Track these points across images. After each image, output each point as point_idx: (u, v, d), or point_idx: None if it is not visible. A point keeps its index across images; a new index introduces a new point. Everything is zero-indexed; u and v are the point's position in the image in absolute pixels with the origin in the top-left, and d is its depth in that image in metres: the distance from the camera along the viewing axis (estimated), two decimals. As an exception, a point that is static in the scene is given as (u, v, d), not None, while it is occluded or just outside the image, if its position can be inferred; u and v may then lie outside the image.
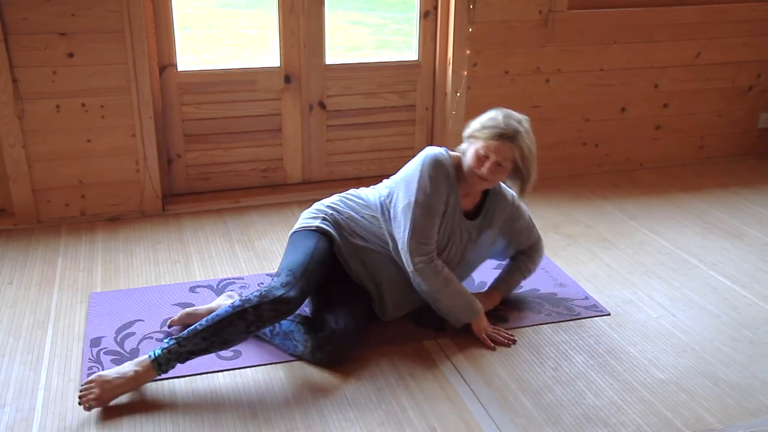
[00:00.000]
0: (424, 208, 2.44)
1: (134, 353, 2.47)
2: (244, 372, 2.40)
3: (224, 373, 2.39)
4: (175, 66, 3.55)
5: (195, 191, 3.76)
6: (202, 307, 2.61)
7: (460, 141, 3.88)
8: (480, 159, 2.43)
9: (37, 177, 3.39)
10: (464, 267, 2.67)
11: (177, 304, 2.77)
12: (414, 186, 2.46)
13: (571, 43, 3.92)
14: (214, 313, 2.29)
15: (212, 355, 2.45)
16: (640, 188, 4.01)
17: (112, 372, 2.23)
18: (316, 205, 2.67)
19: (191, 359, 2.28)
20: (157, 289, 2.90)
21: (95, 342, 2.53)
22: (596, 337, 2.62)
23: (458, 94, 3.85)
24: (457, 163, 2.54)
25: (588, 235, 3.44)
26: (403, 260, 2.48)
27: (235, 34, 7.11)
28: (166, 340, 2.28)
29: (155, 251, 3.21)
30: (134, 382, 2.23)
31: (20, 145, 3.31)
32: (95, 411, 2.20)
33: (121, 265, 3.10)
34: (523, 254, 2.80)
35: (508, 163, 2.43)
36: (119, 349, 2.49)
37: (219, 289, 2.89)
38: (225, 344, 2.28)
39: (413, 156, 4.07)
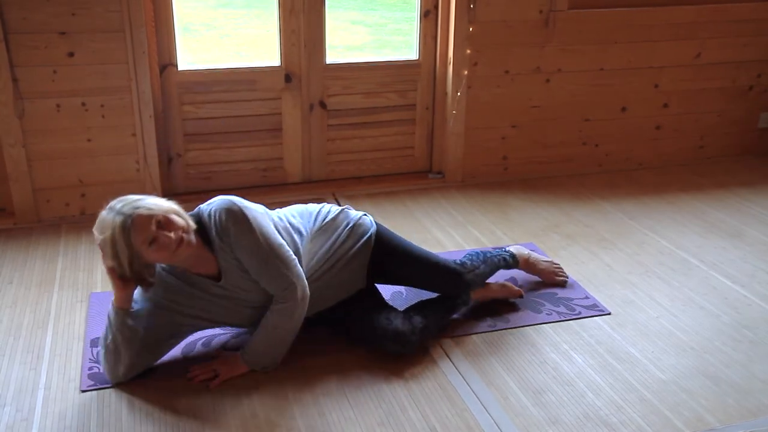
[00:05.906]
0: None
1: (134, 353, 2.47)
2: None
3: (224, 372, 2.39)
4: (175, 65, 3.55)
5: (195, 191, 3.75)
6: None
7: (459, 140, 3.95)
8: (150, 250, 2.15)
9: (37, 176, 3.39)
10: (251, 311, 2.41)
11: (177, 304, 2.77)
12: None
13: (571, 43, 3.92)
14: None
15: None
16: (640, 188, 4.01)
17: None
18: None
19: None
20: (157, 289, 2.89)
21: (95, 342, 2.53)
22: (596, 337, 2.62)
23: (458, 94, 3.85)
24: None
25: (588, 234, 3.44)
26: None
27: (235, 34, 7.12)
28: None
29: (155, 251, 3.21)
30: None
31: (20, 144, 3.31)
32: (94, 410, 2.20)
33: (121, 264, 3.10)
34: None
35: (162, 220, 2.16)
36: (119, 349, 2.49)
37: (219, 288, 2.88)
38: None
39: (413, 155, 4.13)
